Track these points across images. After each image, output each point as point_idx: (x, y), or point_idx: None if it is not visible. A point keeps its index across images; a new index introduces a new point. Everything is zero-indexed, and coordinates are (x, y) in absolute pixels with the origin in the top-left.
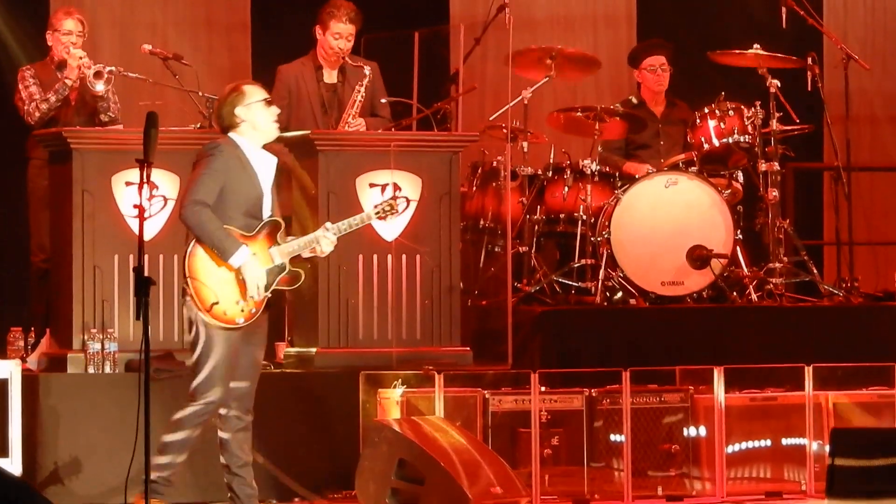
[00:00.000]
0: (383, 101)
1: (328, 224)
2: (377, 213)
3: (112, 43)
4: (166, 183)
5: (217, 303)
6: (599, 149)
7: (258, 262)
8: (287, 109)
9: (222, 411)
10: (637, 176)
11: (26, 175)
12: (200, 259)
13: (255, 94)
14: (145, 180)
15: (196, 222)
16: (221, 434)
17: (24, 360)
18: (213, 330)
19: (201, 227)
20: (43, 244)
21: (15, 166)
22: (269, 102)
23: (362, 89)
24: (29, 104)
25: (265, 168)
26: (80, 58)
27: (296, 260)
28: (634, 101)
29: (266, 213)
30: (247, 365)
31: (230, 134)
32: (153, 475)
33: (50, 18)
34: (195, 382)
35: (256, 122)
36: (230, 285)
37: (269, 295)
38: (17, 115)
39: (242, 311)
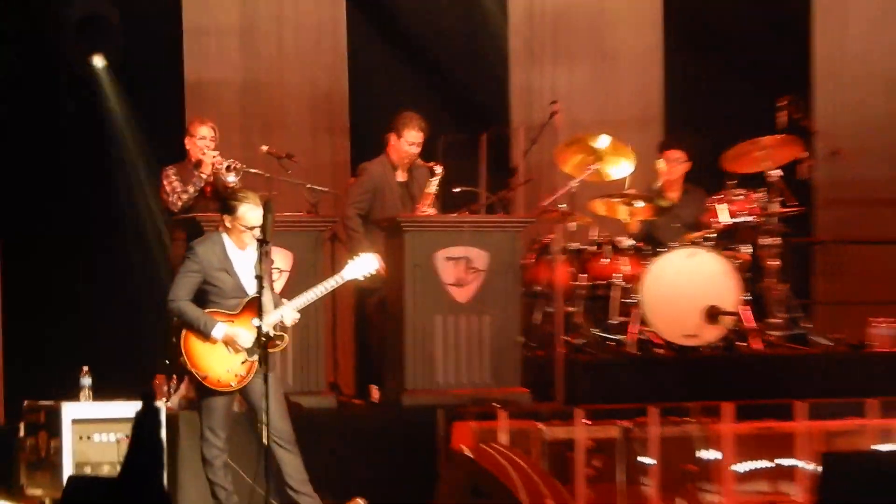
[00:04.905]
0: (456, 190)
1: (295, 300)
2: (349, 273)
3: (235, 145)
4: (280, 257)
5: (206, 377)
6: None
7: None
8: (370, 200)
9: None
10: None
11: (171, 251)
12: (192, 341)
13: (246, 219)
14: (263, 257)
15: (177, 315)
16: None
17: (166, 402)
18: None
19: (182, 318)
20: None
21: (158, 245)
22: (251, 228)
23: (436, 182)
24: (172, 196)
25: (246, 259)
26: (214, 157)
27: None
28: (656, 187)
29: (250, 292)
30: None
31: (220, 230)
32: None
33: (187, 127)
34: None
35: (235, 235)
36: (219, 354)
37: (255, 358)
38: (162, 206)
39: (236, 376)
